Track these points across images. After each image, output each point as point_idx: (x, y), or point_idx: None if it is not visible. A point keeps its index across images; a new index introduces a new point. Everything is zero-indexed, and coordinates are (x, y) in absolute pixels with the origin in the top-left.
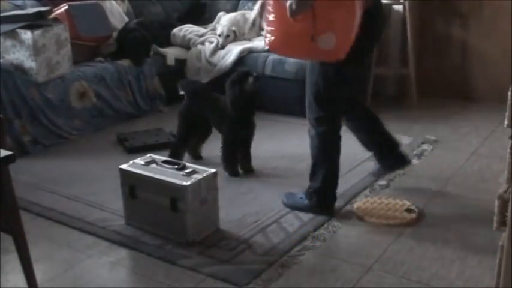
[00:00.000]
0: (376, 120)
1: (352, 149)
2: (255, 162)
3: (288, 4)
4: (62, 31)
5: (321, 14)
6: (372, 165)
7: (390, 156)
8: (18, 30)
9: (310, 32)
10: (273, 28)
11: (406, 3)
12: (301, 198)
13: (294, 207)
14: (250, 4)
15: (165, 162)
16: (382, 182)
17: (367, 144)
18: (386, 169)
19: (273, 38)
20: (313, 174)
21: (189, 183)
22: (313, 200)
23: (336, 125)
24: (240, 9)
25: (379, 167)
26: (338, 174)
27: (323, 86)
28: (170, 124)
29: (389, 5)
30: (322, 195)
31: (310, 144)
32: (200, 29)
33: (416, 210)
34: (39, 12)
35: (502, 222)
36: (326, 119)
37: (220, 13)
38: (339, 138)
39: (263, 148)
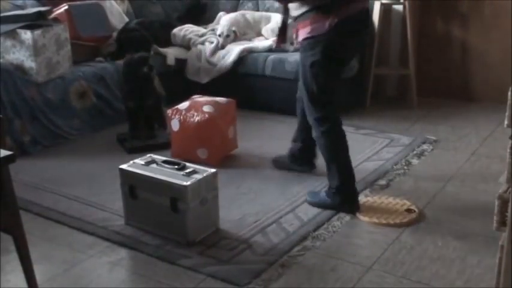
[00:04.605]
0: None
1: (352, 149)
2: (256, 162)
3: None
4: (62, 31)
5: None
6: (371, 165)
7: (304, 160)
8: (18, 30)
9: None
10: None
11: (406, 3)
12: (326, 196)
13: (319, 205)
14: (250, 4)
15: (165, 162)
16: (382, 182)
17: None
18: (290, 162)
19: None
20: (329, 174)
21: (189, 183)
22: (336, 198)
23: (336, 122)
24: (240, 9)
25: (288, 156)
26: (352, 168)
27: (316, 89)
28: None
29: (389, 5)
30: (344, 193)
31: (318, 146)
32: (200, 29)
33: (416, 210)
34: (39, 12)
35: (502, 222)
36: (325, 118)
37: (220, 13)
38: (342, 134)
39: (263, 148)
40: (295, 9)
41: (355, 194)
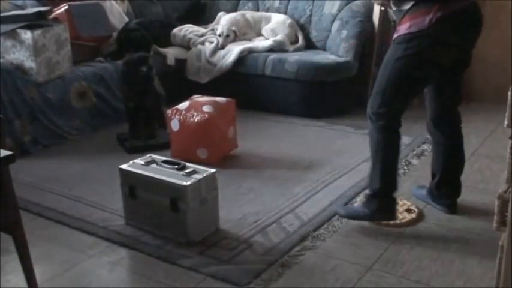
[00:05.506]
0: (457, 152)
1: (352, 149)
2: (256, 162)
3: None
4: (62, 31)
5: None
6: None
7: (442, 196)
8: (18, 30)
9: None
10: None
11: None
12: (362, 208)
13: (353, 217)
14: (250, 4)
15: (165, 162)
16: None
17: (434, 167)
18: (431, 199)
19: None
20: (371, 174)
21: (189, 183)
22: (373, 205)
23: (395, 121)
24: (240, 9)
25: (426, 195)
26: (396, 175)
27: (391, 83)
28: None
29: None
30: (383, 197)
31: (370, 142)
32: (200, 29)
33: (416, 210)
34: (39, 12)
35: (502, 222)
36: (385, 115)
37: (220, 13)
38: (397, 135)
39: (263, 148)
40: (399, 6)
41: (393, 202)
